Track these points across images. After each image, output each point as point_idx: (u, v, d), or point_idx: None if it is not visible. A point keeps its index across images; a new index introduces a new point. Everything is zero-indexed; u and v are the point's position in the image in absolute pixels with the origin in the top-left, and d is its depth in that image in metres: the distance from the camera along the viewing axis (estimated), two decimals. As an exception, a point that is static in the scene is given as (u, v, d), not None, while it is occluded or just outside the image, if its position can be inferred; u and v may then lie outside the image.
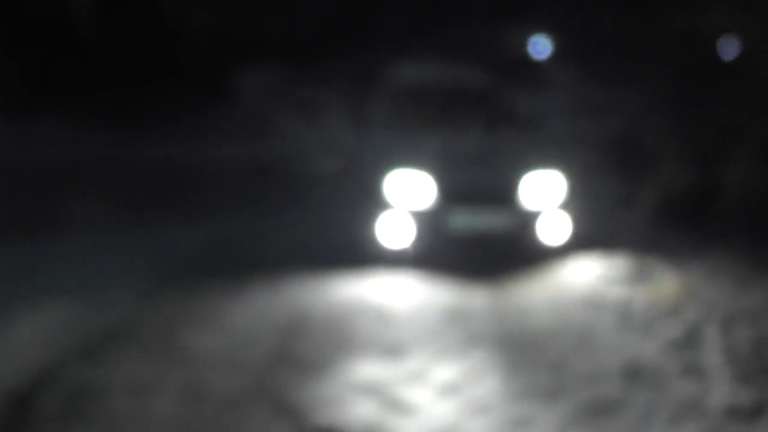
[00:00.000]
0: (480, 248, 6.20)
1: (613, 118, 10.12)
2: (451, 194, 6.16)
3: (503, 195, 6.25)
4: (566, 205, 6.39)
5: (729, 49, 16.00)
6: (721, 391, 3.97)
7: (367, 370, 4.22)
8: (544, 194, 6.31)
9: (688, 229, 6.88)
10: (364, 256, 6.10)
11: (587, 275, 5.85)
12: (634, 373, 4.18)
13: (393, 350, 4.49)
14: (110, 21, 16.22)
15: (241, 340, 4.66)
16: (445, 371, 4.23)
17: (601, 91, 12.94)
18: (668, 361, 4.33)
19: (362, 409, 3.78)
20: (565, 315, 5.09)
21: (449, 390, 4.01)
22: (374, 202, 6.24)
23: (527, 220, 6.27)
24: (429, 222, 6.16)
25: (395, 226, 6.18)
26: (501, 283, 5.81)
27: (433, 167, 6.25)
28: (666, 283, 5.64)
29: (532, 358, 4.42)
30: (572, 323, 4.93)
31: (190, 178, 9.60)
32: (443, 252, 6.12)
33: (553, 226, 6.33)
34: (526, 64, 17.92)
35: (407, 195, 6.21)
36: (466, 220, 6.18)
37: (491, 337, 4.73)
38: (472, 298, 5.49)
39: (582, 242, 6.38)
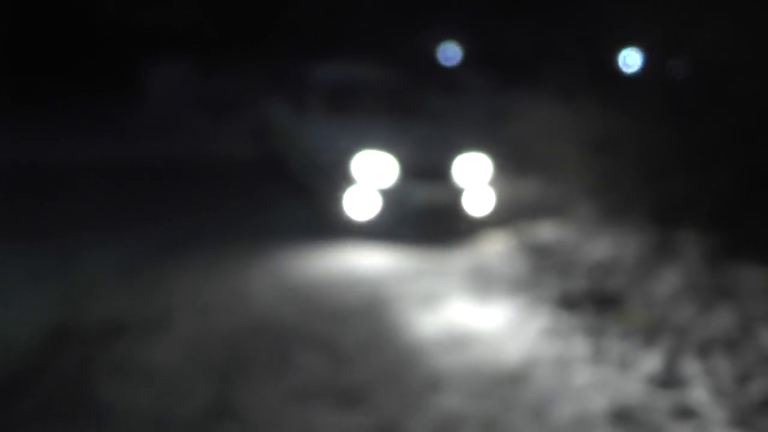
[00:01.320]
0: (426, 218, 7.46)
1: (512, 115, 11.00)
2: (407, 172, 7.37)
3: (441, 173, 7.51)
4: (491, 182, 7.71)
5: (630, 61, 16.77)
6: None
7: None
8: (473, 173, 7.61)
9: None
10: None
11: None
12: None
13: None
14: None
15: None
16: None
17: (501, 92, 13.77)
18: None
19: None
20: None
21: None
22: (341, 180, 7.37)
23: (459, 194, 7.54)
24: (390, 196, 7.31)
25: (361, 201, 7.30)
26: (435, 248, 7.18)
27: (393, 149, 7.40)
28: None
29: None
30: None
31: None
32: (401, 223, 7.35)
33: (480, 200, 7.63)
34: (436, 68, 18.44)
35: (372, 173, 7.33)
36: (419, 195, 7.38)
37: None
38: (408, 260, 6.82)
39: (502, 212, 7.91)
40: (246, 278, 5.93)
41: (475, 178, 7.55)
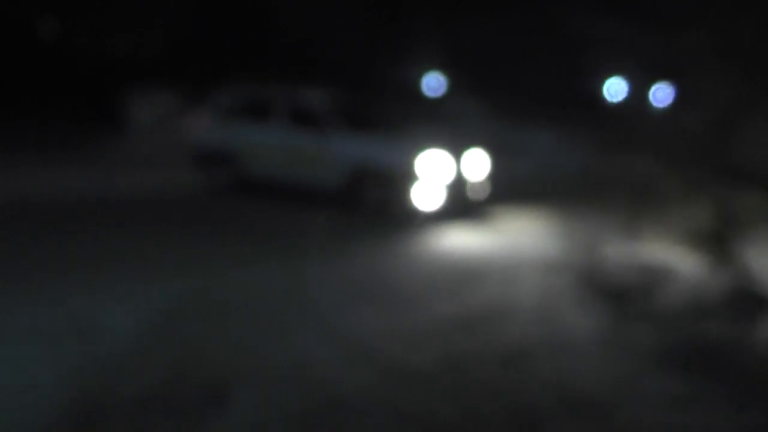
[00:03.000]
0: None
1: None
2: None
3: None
4: (490, 175, 10.64)
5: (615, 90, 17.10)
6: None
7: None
8: (476, 168, 10.48)
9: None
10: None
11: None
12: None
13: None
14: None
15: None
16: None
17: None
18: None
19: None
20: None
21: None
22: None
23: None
24: (451, 190, 9.97)
25: (427, 194, 9.84)
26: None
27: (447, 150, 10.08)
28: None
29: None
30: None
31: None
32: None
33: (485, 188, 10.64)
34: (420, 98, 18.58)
35: (435, 170, 9.85)
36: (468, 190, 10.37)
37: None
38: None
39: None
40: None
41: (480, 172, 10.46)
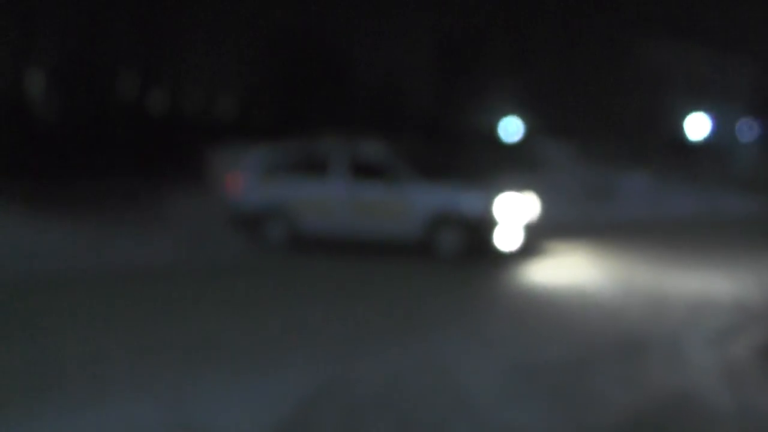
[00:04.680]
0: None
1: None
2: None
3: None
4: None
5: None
6: None
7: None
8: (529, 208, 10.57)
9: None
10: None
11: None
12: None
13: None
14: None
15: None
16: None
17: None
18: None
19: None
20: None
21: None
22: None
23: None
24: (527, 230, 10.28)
25: (507, 236, 10.01)
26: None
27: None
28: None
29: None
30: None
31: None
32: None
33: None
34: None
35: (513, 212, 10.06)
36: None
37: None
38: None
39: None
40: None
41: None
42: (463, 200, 10.21)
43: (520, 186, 10.56)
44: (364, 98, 18.24)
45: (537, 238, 10.74)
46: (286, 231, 11.12)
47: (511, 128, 19.03)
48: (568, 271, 9.38)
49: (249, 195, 11.47)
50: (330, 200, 10.88)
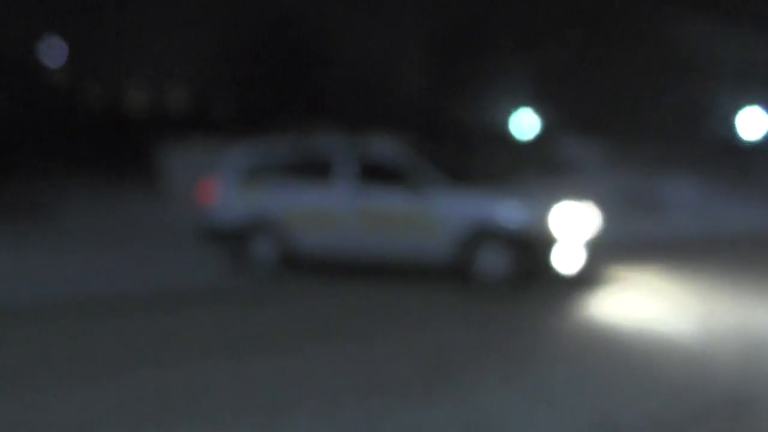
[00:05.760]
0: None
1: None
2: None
3: None
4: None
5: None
6: None
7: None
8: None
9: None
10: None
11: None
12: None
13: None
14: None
15: None
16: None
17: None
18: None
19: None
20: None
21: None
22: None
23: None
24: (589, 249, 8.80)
25: (566, 256, 8.59)
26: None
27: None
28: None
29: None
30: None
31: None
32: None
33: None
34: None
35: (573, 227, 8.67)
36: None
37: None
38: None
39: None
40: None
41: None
42: (509, 210, 8.85)
43: (574, 193, 9.32)
44: (344, 89, 16.69)
45: (598, 260, 9.36)
46: (276, 250, 9.70)
47: (525, 123, 17.01)
48: (637, 302, 8.24)
49: (227, 205, 10.04)
50: (333, 210, 9.50)
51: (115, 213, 13.17)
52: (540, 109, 16.95)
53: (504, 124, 17.26)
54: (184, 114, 19.87)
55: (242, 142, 10.72)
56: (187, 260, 10.26)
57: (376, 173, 9.38)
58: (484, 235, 8.73)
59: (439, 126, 14.20)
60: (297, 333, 6.79)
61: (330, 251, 9.50)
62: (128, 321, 7.23)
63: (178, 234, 11.43)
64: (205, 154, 15.78)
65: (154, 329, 6.90)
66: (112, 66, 19.19)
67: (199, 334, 6.75)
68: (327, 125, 14.44)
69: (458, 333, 6.81)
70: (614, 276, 9.43)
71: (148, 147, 16.31)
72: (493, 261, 8.69)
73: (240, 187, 9.99)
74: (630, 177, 12.23)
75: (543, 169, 12.55)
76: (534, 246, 8.67)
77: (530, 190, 9.68)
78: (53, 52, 19.11)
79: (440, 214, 8.90)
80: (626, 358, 6.01)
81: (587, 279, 9.05)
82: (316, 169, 9.63)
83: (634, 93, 14.27)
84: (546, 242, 8.65)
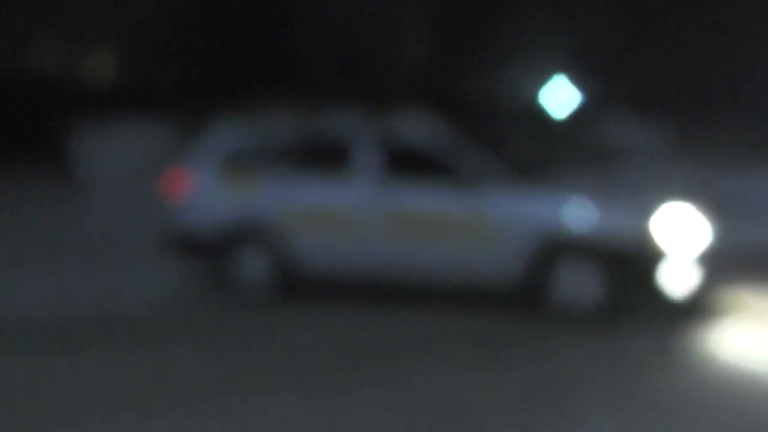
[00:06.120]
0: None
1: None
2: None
3: None
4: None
5: None
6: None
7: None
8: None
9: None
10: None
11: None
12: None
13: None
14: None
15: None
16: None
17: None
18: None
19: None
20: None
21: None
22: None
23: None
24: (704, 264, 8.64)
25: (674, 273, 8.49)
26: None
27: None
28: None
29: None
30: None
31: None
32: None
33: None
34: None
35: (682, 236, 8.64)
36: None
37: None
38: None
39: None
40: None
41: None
42: (598, 216, 8.54)
43: (679, 193, 8.92)
44: (327, 59, 16.54)
45: (713, 281, 8.90)
46: (272, 265, 9.37)
47: (560, 96, 16.35)
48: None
49: (203, 204, 9.59)
50: (349, 213, 9.22)
51: (11, 216, 12.98)
52: (580, 79, 16.81)
53: (533, 98, 17.12)
54: (110, 86, 20.09)
55: (223, 118, 10.20)
56: (139, 278, 9.77)
57: (408, 163, 9.09)
58: (563, 246, 8.47)
59: (450, 101, 13.65)
60: (295, 384, 6.22)
61: (344, 268, 9.20)
62: (59, 362, 6.75)
63: (105, 244, 11.22)
64: (142, 137, 16.17)
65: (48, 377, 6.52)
66: (8, 21, 19.05)
67: (157, 380, 6.29)
68: (296, 101, 14.17)
69: (534, 383, 6.38)
70: (735, 302, 9.08)
71: (60, 124, 16.47)
72: (576, 282, 8.40)
73: (221, 179, 9.71)
74: (703, 169, 12.00)
75: (593, 159, 12.35)
76: (634, 262, 8.35)
77: (617, 188, 9.57)
78: None
79: (501, 218, 8.58)
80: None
81: (701, 306, 8.81)
82: (326, 157, 9.41)
83: (711, 59, 13.79)
84: (649, 257, 8.37)
